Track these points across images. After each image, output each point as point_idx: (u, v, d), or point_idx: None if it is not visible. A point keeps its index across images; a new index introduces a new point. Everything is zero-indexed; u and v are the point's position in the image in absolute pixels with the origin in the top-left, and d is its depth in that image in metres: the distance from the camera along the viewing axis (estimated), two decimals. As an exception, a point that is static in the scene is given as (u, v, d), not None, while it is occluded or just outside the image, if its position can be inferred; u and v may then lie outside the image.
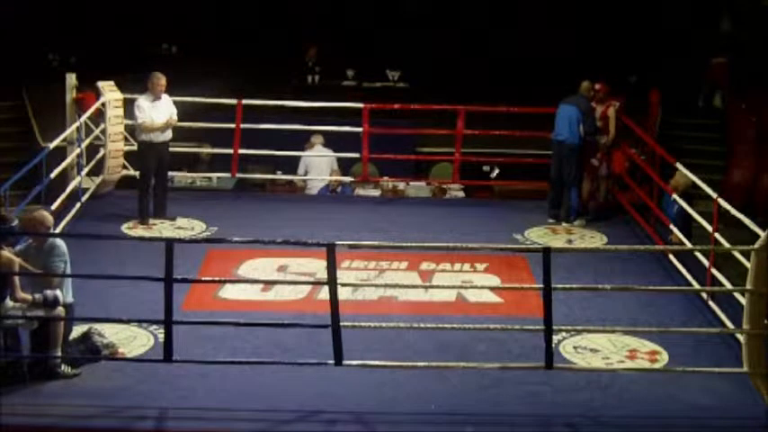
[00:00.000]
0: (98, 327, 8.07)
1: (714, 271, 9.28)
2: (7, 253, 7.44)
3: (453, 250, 10.59)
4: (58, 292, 7.55)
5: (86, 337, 7.93)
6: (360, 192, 13.58)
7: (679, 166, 10.72)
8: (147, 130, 11.00)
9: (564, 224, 11.70)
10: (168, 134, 11.21)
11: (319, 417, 7.30)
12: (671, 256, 10.40)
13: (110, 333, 8.12)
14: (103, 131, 12.00)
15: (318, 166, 13.50)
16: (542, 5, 17.85)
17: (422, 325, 8.26)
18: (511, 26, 17.79)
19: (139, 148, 11.30)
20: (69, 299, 7.71)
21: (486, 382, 7.80)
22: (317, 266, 9.63)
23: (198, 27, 17.81)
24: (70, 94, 12.18)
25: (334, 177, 13.47)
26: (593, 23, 17.60)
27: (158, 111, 11.05)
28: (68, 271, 7.69)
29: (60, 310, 7.54)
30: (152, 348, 8.13)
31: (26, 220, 7.74)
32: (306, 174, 13.53)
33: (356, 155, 12.90)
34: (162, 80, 11.06)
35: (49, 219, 7.80)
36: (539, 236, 11.34)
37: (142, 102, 11.06)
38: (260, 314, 8.73)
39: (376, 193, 13.61)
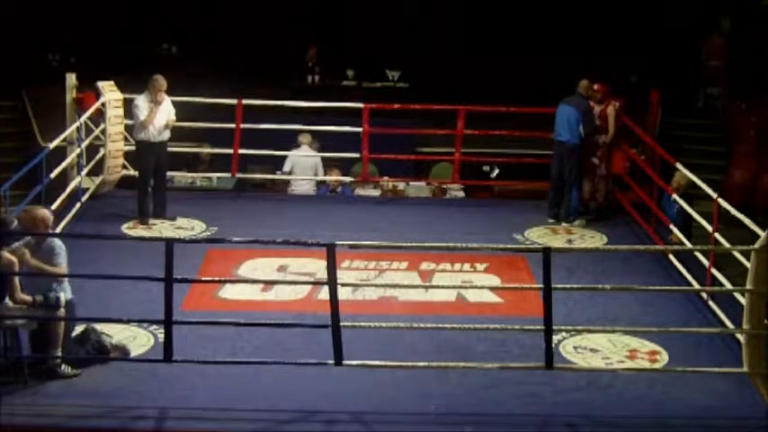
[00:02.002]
0: (99, 327, 8.08)
1: (714, 271, 9.29)
2: (7, 254, 7.44)
3: (453, 250, 10.59)
4: (60, 294, 7.55)
5: (88, 335, 7.93)
6: (360, 192, 13.58)
7: (679, 166, 10.73)
8: (147, 123, 10.98)
9: (564, 224, 11.70)
10: (166, 134, 11.21)
11: (319, 417, 7.31)
12: (671, 256, 10.40)
13: (110, 333, 8.12)
14: (103, 131, 12.01)
15: (304, 166, 13.45)
16: (543, 5, 17.84)
17: (422, 325, 8.26)
18: (511, 26, 17.77)
19: (137, 148, 11.31)
20: (69, 295, 7.72)
21: (486, 382, 7.80)
22: (317, 266, 9.63)
23: (198, 27, 17.80)
24: (70, 94, 12.19)
25: (321, 177, 13.42)
26: (594, 23, 17.59)
27: (158, 109, 11.04)
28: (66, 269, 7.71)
29: (61, 312, 7.55)
30: (152, 348, 8.13)
31: (28, 219, 7.76)
32: (291, 173, 13.48)
33: (356, 155, 12.90)
34: (164, 85, 11.07)
35: (50, 217, 7.83)
36: (539, 236, 11.34)
37: (141, 101, 11.07)
38: (260, 314, 8.72)
39: (376, 193, 13.60)
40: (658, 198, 11.14)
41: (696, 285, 9.65)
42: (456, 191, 13.87)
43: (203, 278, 9.42)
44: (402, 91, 16.36)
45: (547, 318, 7.43)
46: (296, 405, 7.42)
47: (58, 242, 7.67)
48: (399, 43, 17.55)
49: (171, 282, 7.22)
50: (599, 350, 8.42)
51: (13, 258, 7.45)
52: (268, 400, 7.47)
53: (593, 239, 11.33)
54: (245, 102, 12.53)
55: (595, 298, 9.34)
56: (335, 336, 7.36)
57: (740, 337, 7.91)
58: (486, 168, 14.70)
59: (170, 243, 7.20)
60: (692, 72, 16.80)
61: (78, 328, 8.00)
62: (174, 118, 11.22)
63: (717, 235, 9.36)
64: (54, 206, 10.41)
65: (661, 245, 10.89)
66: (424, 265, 10.21)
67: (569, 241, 11.26)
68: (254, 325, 8.11)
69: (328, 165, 13.84)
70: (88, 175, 11.97)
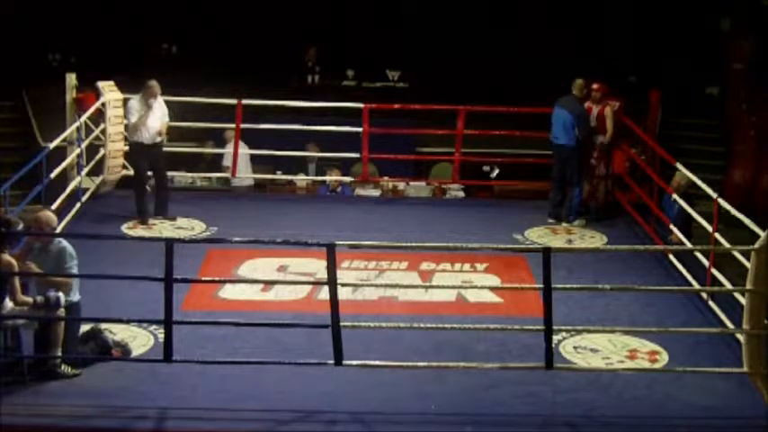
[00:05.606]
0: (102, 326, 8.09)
1: (714, 271, 9.29)
2: (7, 256, 7.44)
3: (453, 250, 10.59)
4: (60, 294, 7.55)
5: (94, 334, 7.94)
6: (360, 192, 13.58)
7: (679, 166, 10.73)
8: (138, 127, 10.97)
9: (564, 224, 11.71)
10: (160, 138, 11.17)
11: (319, 417, 7.31)
12: (671, 256, 10.40)
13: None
14: (103, 131, 12.01)
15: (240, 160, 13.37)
16: (542, 5, 17.83)
17: (422, 325, 8.26)
18: (511, 26, 17.77)
19: (131, 150, 11.35)
20: (76, 297, 7.72)
21: (486, 382, 7.81)
22: (317, 266, 9.63)
23: (198, 27, 17.79)
24: (70, 94, 12.19)
25: (251, 175, 13.37)
26: (593, 23, 17.58)
27: (151, 113, 11.02)
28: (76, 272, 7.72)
29: (61, 312, 7.55)
30: (152, 348, 8.14)
31: (31, 221, 7.76)
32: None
33: (356, 155, 12.90)
34: (157, 91, 11.05)
35: (54, 219, 7.85)
36: (539, 236, 11.34)
37: (134, 103, 11.06)
38: (260, 314, 8.73)
39: (376, 193, 13.61)
40: (658, 198, 11.14)
41: (696, 285, 9.65)
42: (456, 191, 13.88)
43: (203, 278, 9.42)
44: (402, 91, 16.36)
45: (547, 318, 7.43)
46: (296, 405, 7.42)
47: (67, 245, 7.65)
48: (399, 43, 17.54)
49: (171, 282, 7.22)
50: (599, 350, 8.43)
51: (13, 260, 7.45)
52: (268, 400, 7.47)
53: (593, 239, 11.33)
54: (245, 102, 12.53)
55: (595, 298, 9.34)
56: (335, 336, 7.36)
57: (740, 337, 7.92)
58: (486, 168, 14.71)
59: (170, 243, 7.20)
60: (692, 71, 16.79)
61: (85, 327, 8.00)
62: (168, 120, 11.19)
63: (717, 235, 9.37)
64: (54, 206, 10.41)
65: (661, 245, 10.89)
66: (424, 265, 10.21)
67: (569, 241, 11.27)
68: (254, 325, 8.12)
69: (328, 165, 13.85)
70: (88, 175, 11.97)
